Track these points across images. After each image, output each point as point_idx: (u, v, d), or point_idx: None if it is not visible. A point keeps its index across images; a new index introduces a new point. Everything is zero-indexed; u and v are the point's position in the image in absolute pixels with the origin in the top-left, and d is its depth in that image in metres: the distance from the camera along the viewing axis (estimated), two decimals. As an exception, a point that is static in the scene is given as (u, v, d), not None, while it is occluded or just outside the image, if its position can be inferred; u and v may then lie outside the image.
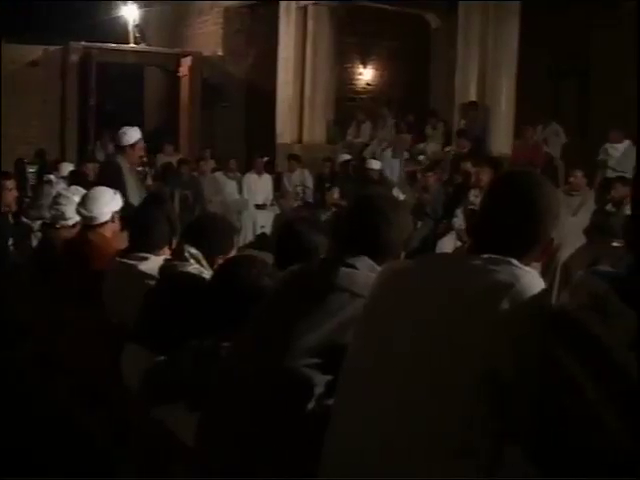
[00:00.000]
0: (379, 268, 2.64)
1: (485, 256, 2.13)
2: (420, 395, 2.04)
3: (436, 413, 2.00)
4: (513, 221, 2.20)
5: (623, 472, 1.75)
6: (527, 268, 2.11)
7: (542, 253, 2.27)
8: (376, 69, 20.27)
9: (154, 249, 4.39)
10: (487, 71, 14.85)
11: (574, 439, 1.85)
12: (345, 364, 2.29)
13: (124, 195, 6.05)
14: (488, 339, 1.97)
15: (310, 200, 14.19)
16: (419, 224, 11.27)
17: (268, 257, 3.72)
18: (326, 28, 17.29)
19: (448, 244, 10.16)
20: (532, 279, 2.08)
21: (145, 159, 11.55)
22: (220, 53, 19.33)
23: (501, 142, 14.42)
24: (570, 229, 10.07)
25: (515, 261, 2.10)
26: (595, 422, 1.80)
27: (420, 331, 2.09)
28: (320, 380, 2.48)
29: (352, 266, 2.64)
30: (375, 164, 13.57)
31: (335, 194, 13.09)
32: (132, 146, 7.56)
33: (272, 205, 14.36)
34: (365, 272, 2.63)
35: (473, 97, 14.93)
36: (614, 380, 1.79)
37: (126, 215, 5.36)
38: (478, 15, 14.95)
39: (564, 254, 9.71)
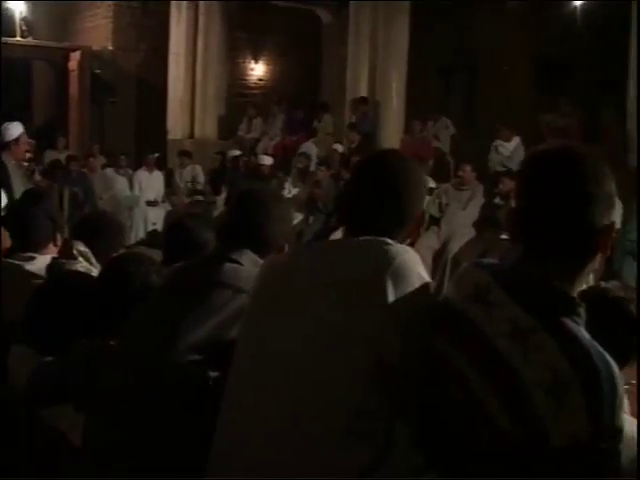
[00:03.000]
0: (262, 262, 2.66)
1: (360, 239, 2.15)
2: (308, 386, 2.03)
3: (326, 404, 2.00)
4: (378, 200, 2.22)
5: (506, 462, 1.78)
6: (402, 245, 2.13)
7: (414, 230, 2.29)
8: (268, 64, 20.24)
9: (37, 247, 4.30)
10: (378, 67, 15.02)
11: (457, 428, 1.88)
12: (233, 361, 2.28)
13: (10, 192, 5.92)
14: (373, 324, 1.98)
15: (201, 196, 14.12)
16: (311, 219, 11.34)
17: (159, 254, 3.70)
18: (217, 23, 17.23)
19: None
20: (409, 255, 2.09)
21: (31, 155, 11.33)
22: (110, 47, 19.05)
23: (391, 137, 14.59)
24: (460, 222, 10.27)
25: (390, 240, 2.11)
26: (478, 411, 1.83)
27: (303, 323, 2.09)
28: (207, 377, 2.48)
29: (236, 261, 2.65)
30: (266, 160, 13.59)
31: (224, 192, 13.06)
32: (16, 142, 7.37)
33: (163, 202, 14.25)
34: (249, 267, 2.64)
35: (364, 93, 15.08)
36: (497, 370, 1.82)
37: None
38: (369, 12, 15.11)
39: (454, 247, 9.89)
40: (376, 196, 2.23)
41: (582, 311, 1.89)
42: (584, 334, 1.82)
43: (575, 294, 1.92)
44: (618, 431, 1.75)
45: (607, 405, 1.72)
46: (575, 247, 1.89)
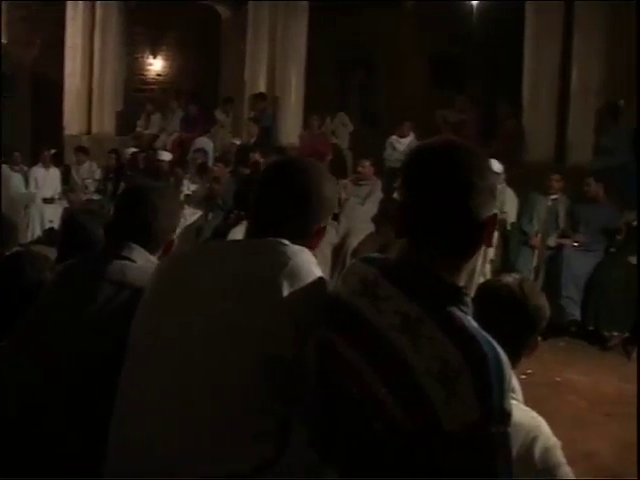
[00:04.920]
0: (153, 258, 2.65)
1: (258, 240, 2.16)
2: (203, 383, 2.03)
3: (220, 403, 2.00)
4: (281, 205, 2.22)
5: (401, 452, 1.80)
6: (299, 246, 2.13)
7: (316, 239, 2.28)
8: (166, 60, 20.10)
9: None
10: (277, 63, 15.08)
11: (352, 421, 1.89)
12: (126, 358, 2.26)
13: None
14: (268, 323, 1.99)
15: (99, 194, 13.94)
16: (210, 215, 11.28)
17: (55, 253, 3.65)
18: (115, 17, 17.05)
19: (240, 235, 10.19)
20: (305, 255, 2.11)
21: None
22: (4, 41, 18.64)
23: (290, 132, 14.66)
24: (359, 217, 10.36)
25: (287, 241, 2.12)
26: (372, 403, 1.84)
27: (199, 321, 2.08)
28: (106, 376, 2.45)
29: (127, 258, 2.64)
30: (165, 155, 13.49)
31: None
32: None
33: (60, 199, 14.03)
34: (140, 263, 2.63)
35: (263, 88, 15.11)
36: (388, 361, 1.84)
37: None
38: (268, 8, 15.15)
39: (353, 241, 9.98)
40: (278, 202, 2.23)
41: (468, 300, 1.93)
42: (471, 322, 1.85)
43: (461, 284, 1.96)
44: (507, 414, 1.79)
45: (495, 389, 1.76)
46: (459, 239, 1.92)
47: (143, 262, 2.64)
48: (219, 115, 15.79)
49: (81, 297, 2.59)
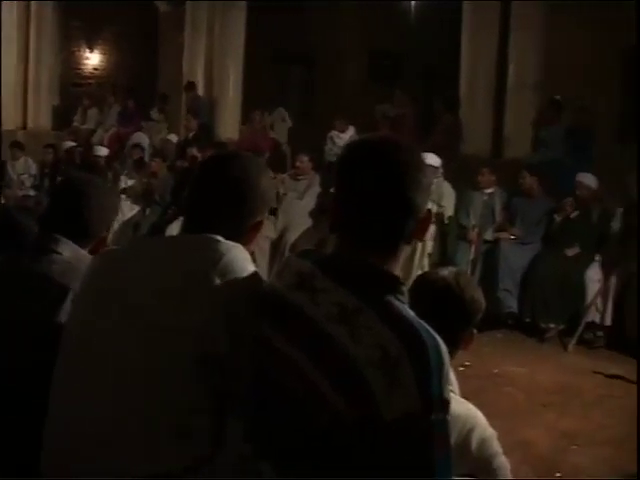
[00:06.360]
0: (84, 252, 2.62)
1: (192, 235, 2.15)
2: (135, 381, 2.00)
3: (153, 398, 1.98)
4: (215, 200, 2.21)
5: (345, 443, 1.80)
6: (232, 242, 2.11)
7: (252, 233, 2.27)
8: (103, 54, 19.89)
9: None
10: (214, 59, 15.07)
11: (294, 415, 1.89)
12: (59, 356, 2.23)
13: None
14: (199, 320, 1.97)
15: (34, 189, 13.78)
16: (148, 211, 11.22)
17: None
18: (50, 10, 16.83)
19: (177, 230, 10.15)
20: (238, 252, 2.10)
21: None
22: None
23: (228, 127, 14.64)
24: (297, 212, 10.37)
25: (220, 237, 2.10)
26: (313, 396, 1.83)
27: (131, 317, 2.06)
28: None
29: (54, 251, 2.61)
30: (102, 151, 13.38)
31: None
32: None
33: (-5, 195, 13.84)
34: (68, 257, 2.60)
35: (200, 84, 15.06)
36: (327, 353, 1.83)
37: None
38: (206, 6, 15.12)
39: (292, 236, 9.99)
40: (213, 198, 2.22)
41: (405, 290, 1.93)
42: (409, 312, 1.85)
43: (396, 275, 1.96)
44: (446, 402, 1.80)
45: (435, 376, 1.77)
46: (393, 233, 1.93)
47: (70, 255, 2.61)
48: (154, 114, 15.71)
49: (9, 293, 2.55)
